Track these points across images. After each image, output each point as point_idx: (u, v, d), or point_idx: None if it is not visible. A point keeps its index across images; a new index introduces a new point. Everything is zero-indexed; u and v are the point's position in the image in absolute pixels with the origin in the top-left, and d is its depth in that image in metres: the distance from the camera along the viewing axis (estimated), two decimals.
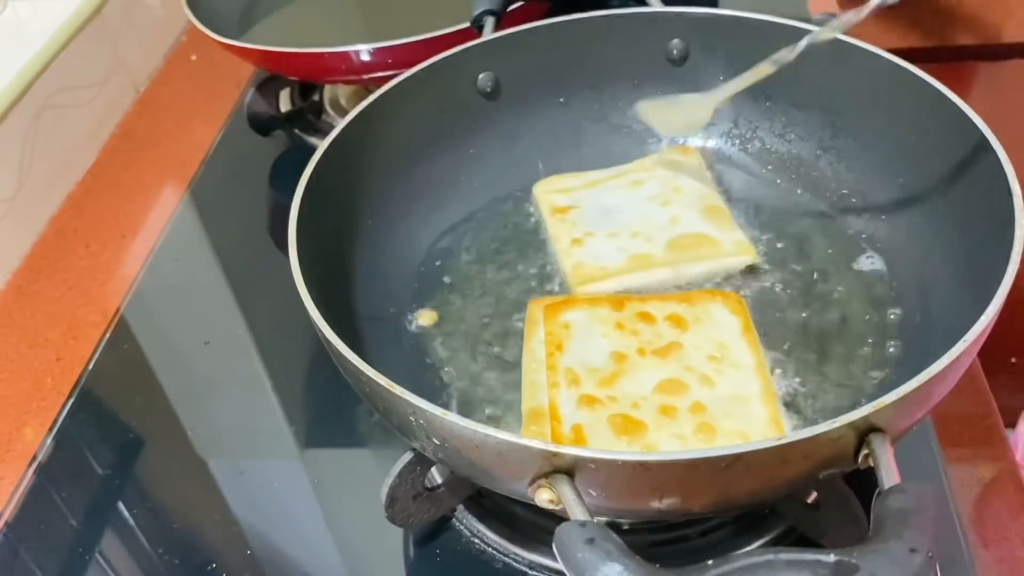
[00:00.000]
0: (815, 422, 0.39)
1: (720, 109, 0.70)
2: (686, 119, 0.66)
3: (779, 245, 0.64)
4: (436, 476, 0.52)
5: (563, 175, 0.70)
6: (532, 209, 0.69)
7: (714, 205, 0.66)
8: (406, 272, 0.65)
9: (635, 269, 0.62)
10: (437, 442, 0.43)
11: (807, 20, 0.65)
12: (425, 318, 0.61)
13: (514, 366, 0.57)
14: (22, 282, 0.81)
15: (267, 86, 0.91)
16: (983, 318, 0.43)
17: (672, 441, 0.49)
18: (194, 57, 1.08)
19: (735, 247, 0.62)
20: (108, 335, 0.74)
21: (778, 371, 0.56)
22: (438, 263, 0.66)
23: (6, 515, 0.62)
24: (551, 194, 0.69)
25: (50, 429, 0.67)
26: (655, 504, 0.40)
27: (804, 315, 0.59)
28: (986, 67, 1.45)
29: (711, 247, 0.63)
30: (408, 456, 0.50)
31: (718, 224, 0.64)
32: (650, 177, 0.68)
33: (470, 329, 0.61)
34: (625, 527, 0.54)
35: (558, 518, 0.39)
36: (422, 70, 0.65)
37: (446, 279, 0.65)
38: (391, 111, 0.64)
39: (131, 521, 0.60)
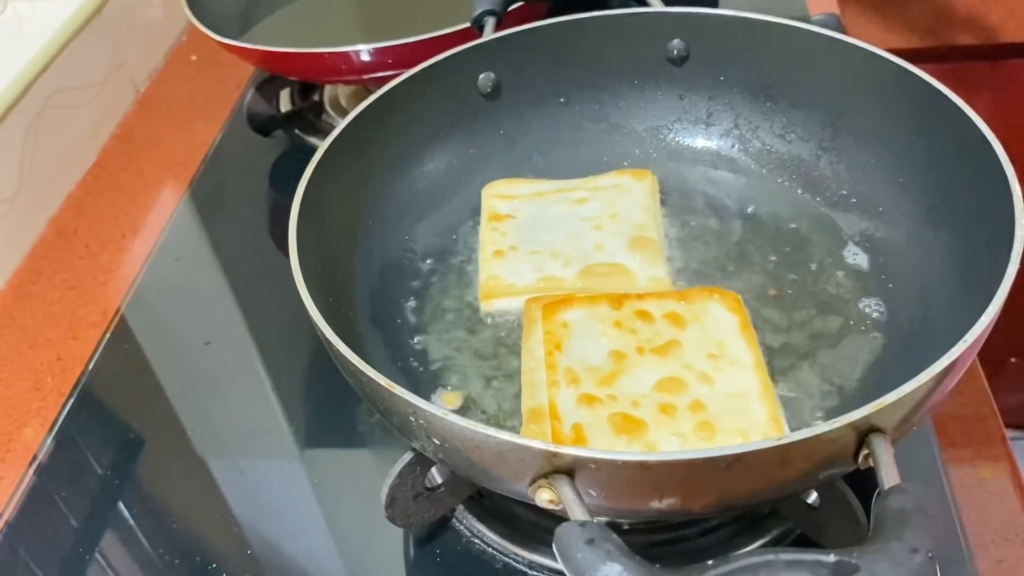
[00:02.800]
0: (810, 422, 0.39)
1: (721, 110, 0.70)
2: None
3: (777, 245, 0.64)
4: (436, 476, 0.53)
5: (516, 180, 0.69)
6: None
7: (644, 236, 0.64)
8: (406, 271, 0.65)
9: (542, 291, 0.61)
10: (437, 442, 0.43)
11: (807, 20, 0.65)
12: (449, 401, 0.57)
13: (515, 365, 0.57)
14: (22, 282, 0.81)
15: (267, 86, 0.91)
16: (983, 318, 0.43)
17: (672, 439, 0.49)
18: (194, 57, 1.08)
19: (649, 283, 0.61)
20: (108, 335, 0.74)
21: (772, 370, 0.56)
22: (439, 263, 0.66)
23: (6, 515, 0.62)
24: (494, 199, 0.68)
25: (50, 429, 0.67)
26: (655, 504, 0.40)
27: (801, 315, 0.59)
28: (986, 67, 1.45)
29: (624, 279, 0.61)
30: (408, 456, 0.51)
31: (643, 256, 0.62)
32: (594, 197, 0.67)
33: (471, 329, 0.61)
34: (625, 527, 0.54)
35: (558, 518, 0.39)
36: (422, 70, 0.65)
37: (447, 279, 0.65)
38: (391, 111, 0.64)
39: (131, 521, 0.60)
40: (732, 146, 0.71)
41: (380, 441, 0.63)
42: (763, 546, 0.53)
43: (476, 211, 0.69)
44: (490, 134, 0.70)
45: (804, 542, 0.51)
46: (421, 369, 0.59)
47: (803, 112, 0.67)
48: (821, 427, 0.38)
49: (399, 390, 0.42)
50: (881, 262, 0.61)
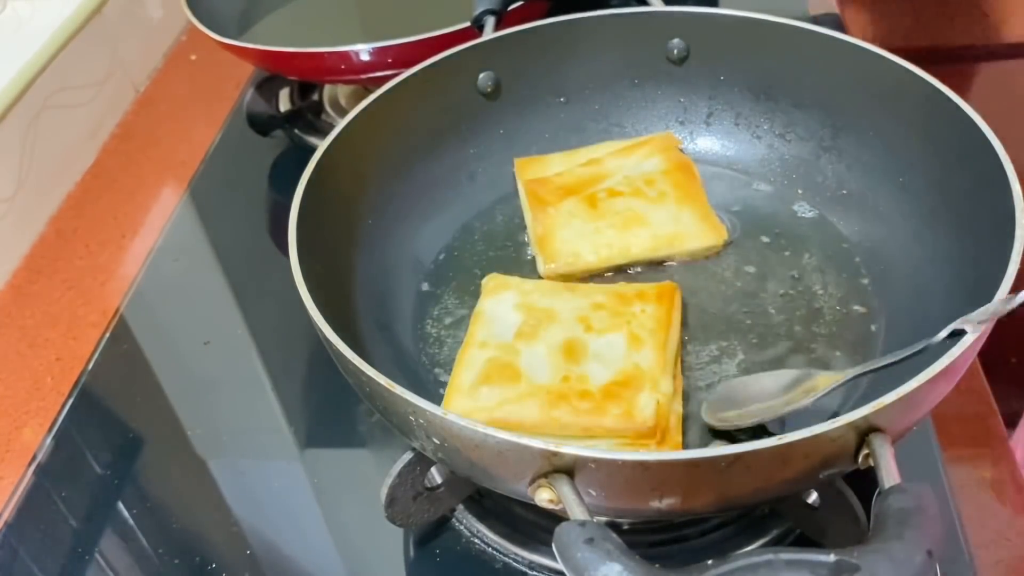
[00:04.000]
0: (810, 422, 0.39)
1: (721, 110, 0.70)
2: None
3: (777, 245, 0.64)
4: (436, 476, 0.53)
5: (544, 157, 0.70)
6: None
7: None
8: (406, 271, 0.65)
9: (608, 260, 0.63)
10: (437, 442, 0.43)
11: (807, 20, 0.65)
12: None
13: None
14: (22, 282, 0.81)
15: (267, 86, 0.91)
16: None
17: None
18: (194, 57, 1.08)
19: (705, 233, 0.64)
20: (108, 335, 0.74)
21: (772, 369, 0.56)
22: (439, 263, 0.66)
23: (6, 515, 0.62)
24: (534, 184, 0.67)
25: (50, 429, 0.67)
26: (655, 504, 0.40)
27: (801, 313, 0.59)
28: (986, 67, 1.46)
29: (681, 241, 0.64)
30: (408, 456, 0.51)
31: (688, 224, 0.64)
32: (626, 185, 0.67)
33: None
34: (625, 527, 0.54)
35: (558, 518, 0.39)
36: (422, 70, 0.65)
37: (446, 278, 0.65)
38: (391, 111, 0.64)
39: (131, 521, 0.60)
40: (732, 146, 0.71)
41: (380, 441, 0.63)
42: (763, 546, 0.53)
43: (476, 210, 0.69)
44: (490, 134, 0.70)
45: (804, 542, 0.51)
46: (421, 368, 0.59)
47: (803, 112, 0.67)
48: (821, 427, 0.38)
49: (399, 389, 0.42)
50: (881, 262, 0.61)
